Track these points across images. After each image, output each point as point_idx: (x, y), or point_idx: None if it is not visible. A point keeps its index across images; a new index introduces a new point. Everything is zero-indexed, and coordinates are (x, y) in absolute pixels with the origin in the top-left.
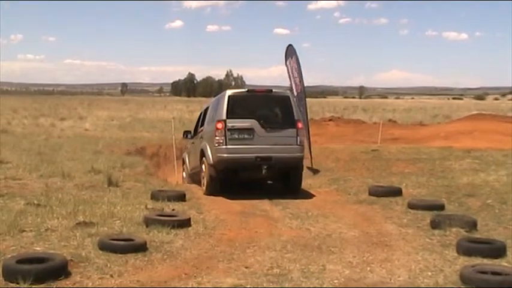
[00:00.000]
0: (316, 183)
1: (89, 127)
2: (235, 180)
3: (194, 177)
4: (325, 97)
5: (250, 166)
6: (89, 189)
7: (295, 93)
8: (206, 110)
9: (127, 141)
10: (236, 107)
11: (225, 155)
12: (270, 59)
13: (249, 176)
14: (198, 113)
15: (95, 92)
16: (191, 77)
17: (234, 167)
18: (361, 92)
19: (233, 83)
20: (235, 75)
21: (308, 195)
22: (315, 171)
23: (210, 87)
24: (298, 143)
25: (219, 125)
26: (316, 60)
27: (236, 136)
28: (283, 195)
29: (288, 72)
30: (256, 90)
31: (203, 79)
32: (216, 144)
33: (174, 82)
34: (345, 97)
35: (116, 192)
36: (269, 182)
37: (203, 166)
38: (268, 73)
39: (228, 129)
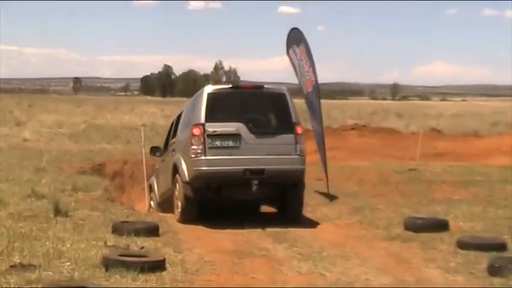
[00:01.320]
0: (333, 213)
1: (29, 136)
2: (218, 203)
3: (165, 206)
4: (346, 98)
5: (236, 182)
6: (29, 220)
7: (305, 92)
8: (179, 116)
9: (80, 155)
10: (218, 107)
11: (204, 168)
12: (272, 47)
13: (236, 195)
14: (170, 121)
15: (38, 89)
16: (167, 70)
17: (216, 183)
18: (395, 91)
19: (224, 78)
20: (226, 68)
21: (322, 230)
22: (332, 198)
23: (193, 84)
24: (298, 152)
25: (196, 131)
26: (335, 49)
27: (218, 144)
28: (287, 227)
29: (293, 66)
30: (243, 85)
31: (183, 73)
32: (193, 156)
33: (144, 77)
34: (373, 98)
35: (65, 224)
36: (261, 207)
37: (177, 185)
38: (269, 65)
39: (208, 136)
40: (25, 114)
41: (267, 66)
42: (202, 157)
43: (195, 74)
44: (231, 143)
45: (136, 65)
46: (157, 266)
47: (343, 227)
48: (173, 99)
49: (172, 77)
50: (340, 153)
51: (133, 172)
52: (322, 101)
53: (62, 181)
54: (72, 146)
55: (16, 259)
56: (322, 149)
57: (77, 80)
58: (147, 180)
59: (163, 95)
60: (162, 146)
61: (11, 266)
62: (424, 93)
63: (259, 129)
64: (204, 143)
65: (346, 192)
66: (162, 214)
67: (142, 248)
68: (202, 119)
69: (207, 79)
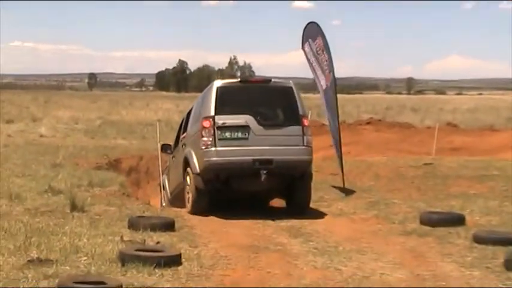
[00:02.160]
0: (349, 207)
1: (46, 132)
2: (227, 194)
3: (176, 202)
4: (361, 92)
5: (246, 172)
6: (45, 216)
7: (324, 86)
8: (189, 113)
9: (96, 151)
10: (227, 100)
11: (215, 159)
12: (287, 42)
13: (245, 186)
14: (181, 118)
15: (53, 85)
16: (182, 65)
17: (226, 174)
18: (410, 85)
19: (238, 74)
20: (241, 63)
21: (338, 224)
22: (348, 192)
23: (208, 80)
24: (305, 143)
25: (206, 123)
26: (350, 44)
27: (228, 136)
28: (302, 222)
29: (308, 60)
30: (251, 79)
31: (198, 69)
32: (203, 147)
33: (159, 73)
34: (388, 92)
35: (81, 220)
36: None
37: (187, 179)
38: (285, 60)
39: (218, 128)
40: (41, 110)
41: (282, 61)
42: (213, 148)
43: (210, 69)
44: (240, 135)
45: (151, 60)
46: (173, 260)
47: (358, 222)
48: (188, 94)
49: (187, 72)
50: (356, 148)
51: (148, 168)
52: (337, 95)
53: (78, 176)
54: (88, 141)
55: (33, 254)
56: (338, 143)
57: (92, 76)
58: (162, 175)
59: (178, 90)
60: (172, 143)
61: (28, 261)
62: (440, 87)
63: (267, 121)
64: (214, 135)
65: (361, 186)
66: (177, 209)
67: (158, 242)
68: (212, 112)
69: (221, 74)
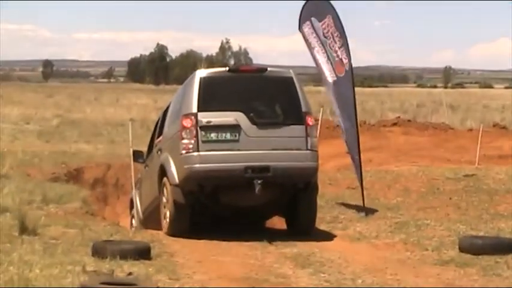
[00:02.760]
0: (370, 230)
1: None
2: (213, 211)
3: (150, 223)
4: (386, 85)
5: (236, 182)
6: None
7: (334, 78)
8: (166, 112)
9: (52, 158)
10: (212, 94)
11: (197, 166)
12: (292, 22)
13: (236, 200)
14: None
15: None
16: (161, 51)
17: (211, 184)
18: (448, 77)
19: (232, 61)
20: (235, 47)
21: (356, 251)
22: (369, 211)
23: (193, 68)
24: (310, 147)
25: (187, 122)
26: (372, 24)
27: (213, 137)
28: (311, 248)
29: (309, 45)
30: (242, 68)
31: (181, 55)
32: (183, 152)
33: (132, 60)
34: (420, 85)
35: (33, 245)
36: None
37: (164, 191)
38: (289, 45)
39: (201, 127)
40: None
41: (286, 46)
42: (195, 153)
43: (196, 55)
44: (228, 136)
45: (122, 44)
46: None
47: (382, 248)
48: (168, 87)
49: (168, 59)
50: (379, 155)
51: (118, 179)
52: (355, 89)
53: (29, 190)
54: (42, 146)
55: None
56: (355, 150)
57: (47, 64)
58: (134, 189)
59: (157, 82)
60: (146, 151)
61: None
62: (485, 79)
63: (263, 119)
64: (196, 136)
65: (386, 204)
66: (154, 232)
67: (130, 274)
68: (194, 108)
69: (210, 62)
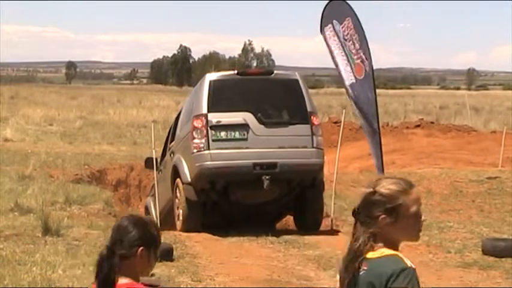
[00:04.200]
0: None
1: (12, 135)
2: (224, 206)
3: (164, 226)
4: (409, 87)
5: (245, 179)
6: (11, 240)
7: (353, 80)
8: (178, 117)
9: (76, 159)
10: (222, 96)
11: (208, 164)
12: (315, 23)
13: (246, 196)
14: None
15: (22, 75)
16: (184, 53)
17: (222, 181)
18: (471, 78)
19: (254, 63)
20: (257, 49)
21: None
22: None
23: (216, 70)
24: (315, 144)
25: (198, 122)
26: (394, 26)
27: (223, 136)
28: (334, 250)
29: (329, 48)
30: (250, 72)
31: (204, 56)
32: (195, 150)
33: (155, 61)
34: (443, 87)
35: (56, 246)
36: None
37: (177, 192)
38: (311, 46)
39: (211, 127)
40: (6, 107)
41: (309, 48)
42: (206, 151)
43: (219, 57)
44: (237, 135)
45: (145, 45)
46: None
47: (404, 250)
48: (191, 88)
49: (191, 61)
50: (402, 158)
51: (140, 181)
52: (377, 91)
53: (52, 191)
54: (65, 147)
55: None
56: (378, 152)
57: (70, 65)
58: (148, 196)
59: (179, 83)
60: (159, 158)
61: None
62: (508, 81)
63: (270, 119)
64: (207, 136)
65: None
66: (176, 233)
67: (152, 275)
68: (205, 109)
69: (232, 63)
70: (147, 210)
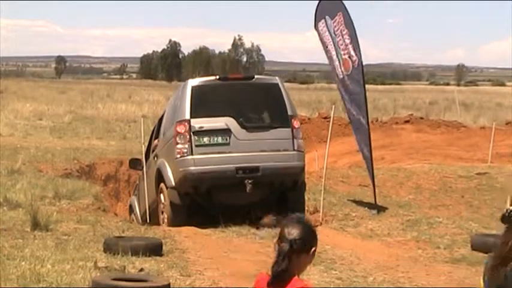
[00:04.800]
0: (382, 227)
1: (1, 130)
2: (208, 209)
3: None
4: (399, 83)
5: (228, 183)
6: (0, 235)
7: (342, 75)
8: (161, 119)
9: (65, 154)
10: (204, 101)
11: (192, 169)
12: (306, 19)
13: (229, 199)
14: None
15: (12, 70)
16: (174, 47)
17: (205, 186)
18: (460, 74)
19: (244, 58)
20: (247, 44)
21: (367, 249)
22: (381, 208)
23: (206, 65)
24: (296, 147)
25: (181, 128)
26: (383, 22)
27: (206, 141)
28: (322, 245)
29: (323, 43)
30: (231, 77)
31: (194, 52)
32: (178, 156)
33: (144, 56)
34: (433, 83)
35: (45, 240)
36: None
37: (161, 196)
38: (302, 41)
39: (194, 133)
40: None
41: (299, 43)
42: (189, 157)
43: (209, 52)
44: (220, 140)
45: (134, 40)
46: None
47: (394, 246)
48: (181, 83)
49: (180, 56)
50: (391, 153)
51: (130, 175)
52: (367, 86)
53: (41, 186)
54: (54, 142)
55: None
56: (366, 147)
57: (60, 60)
58: (132, 195)
59: (169, 78)
60: (143, 158)
61: None
62: (497, 77)
63: (251, 123)
64: (190, 141)
65: (398, 201)
66: (166, 228)
67: (141, 270)
68: (187, 115)
69: (222, 59)
70: (131, 208)
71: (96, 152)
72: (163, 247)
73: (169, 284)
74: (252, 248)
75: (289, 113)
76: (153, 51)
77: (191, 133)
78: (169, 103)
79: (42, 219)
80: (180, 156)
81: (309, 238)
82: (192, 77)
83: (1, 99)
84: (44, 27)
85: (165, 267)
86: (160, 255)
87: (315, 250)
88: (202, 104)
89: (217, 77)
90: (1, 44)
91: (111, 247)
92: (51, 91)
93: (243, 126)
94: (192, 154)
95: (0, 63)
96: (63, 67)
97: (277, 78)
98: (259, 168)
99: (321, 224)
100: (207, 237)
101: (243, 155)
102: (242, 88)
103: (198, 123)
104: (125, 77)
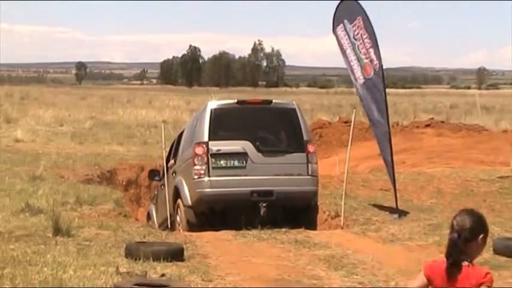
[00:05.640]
0: (403, 231)
1: (23, 136)
2: (222, 225)
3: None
4: (419, 87)
5: (243, 205)
6: (22, 241)
7: (362, 80)
8: (180, 135)
9: (86, 160)
10: (222, 124)
11: (208, 190)
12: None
13: (241, 220)
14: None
15: (33, 76)
16: (194, 53)
17: (220, 207)
18: (481, 78)
19: (264, 63)
20: (267, 49)
21: (389, 253)
22: (402, 213)
23: (226, 70)
24: (310, 172)
25: (199, 150)
26: (404, 26)
27: (223, 164)
28: (344, 250)
29: (341, 46)
30: (249, 101)
31: (214, 56)
32: (195, 177)
33: (164, 61)
34: (453, 87)
35: (66, 246)
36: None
37: (178, 211)
38: (320, 46)
39: (212, 155)
40: (17, 108)
41: (318, 47)
42: (206, 178)
43: (229, 57)
44: (236, 163)
45: (155, 46)
46: None
47: (415, 250)
48: (201, 88)
49: (200, 61)
50: (412, 157)
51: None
52: (387, 90)
53: (63, 192)
54: (75, 148)
55: None
56: (387, 151)
57: (80, 66)
58: (151, 203)
59: (189, 83)
60: (162, 169)
61: None
62: None
63: (267, 147)
64: (207, 163)
65: (419, 206)
66: (187, 233)
67: (163, 275)
68: (206, 137)
69: (242, 64)
70: (148, 216)
71: (117, 158)
72: (185, 252)
73: None
74: (273, 253)
75: (305, 138)
76: (173, 56)
77: (209, 155)
78: (189, 122)
79: (64, 224)
80: (198, 178)
81: (476, 227)
82: (212, 82)
83: (22, 106)
84: (65, 34)
85: (187, 272)
86: (182, 260)
87: (483, 237)
88: (221, 127)
89: (236, 100)
90: (22, 51)
91: (132, 252)
92: (71, 97)
93: (259, 150)
94: (209, 176)
95: (21, 70)
96: (84, 73)
97: (294, 103)
98: (274, 192)
99: (342, 228)
100: (228, 242)
101: (258, 178)
102: (260, 112)
103: (215, 145)
104: (145, 82)
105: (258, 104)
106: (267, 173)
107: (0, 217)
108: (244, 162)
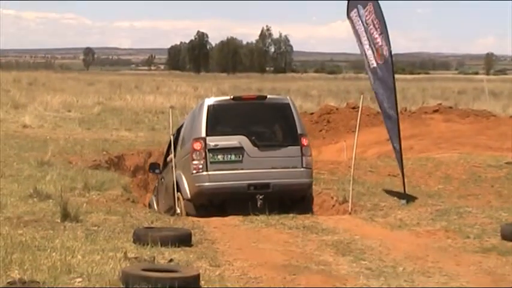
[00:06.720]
0: (411, 217)
1: (31, 122)
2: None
3: None
4: (427, 73)
5: (240, 198)
6: (30, 226)
7: (374, 65)
8: (179, 130)
9: (94, 145)
10: (219, 120)
11: (207, 184)
12: (332, 9)
13: (241, 212)
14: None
15: (40, 62)
16: (201, 38)
17: (218, 199)
18: (489, 63)
19: (272, 49)
20: (275, 35)
21: (397, 238)
22: (410, 198)
23: (233, 56)
24: (304, 165)
25: (197, 145)
26: (413, 11)
27: (220, 158)
28: (352, 236)
29: (356, 32)
30: (244, 97)
31: (221, 42)
32: (194, 171)
33: (172, 47)
34: (461, 72)
35: (75, 231)
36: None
37: (178, 204)
38: (329, 32)
39: (209, 150)
40: (25, 94)
41: (326, 34)
42: (204, 172)
43: (236, 43)
44: (233, 157)
45: (162, 32)
46: (190, 283)
47: (423, 236)
48: (209, 74)
49: (208, 47)
50: (420, 143)
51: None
52: (396, 76)
53: (71, 177)
54: (83, 133)
55: (15, 274)
56: (396, 137)
57: (88, 52)
58: (152, 194)
59: (197, 69)
60: (161, 163)
61: (8, 283)
62: None
63: (263, 141)
64: (205, 158)
65: (427, 191)
66: (195, 219)
67: (171, 260)
68: (203, 133)
69: (250, 50)
70: (150, 207)
71: (124, 143)
72: (193, 238)
73: (199, 275)
74: (281, 238)
75: (299, 131)
76: (181, 42)
77: (206, 150)
78: (189, 116)
79: (72, 210)
80: (196, 172)
81: None
82: (220, 68)
83: (30, 91)
84: (72, 20)
85: (195, 257)
86: (190, 245)
87: None
88: (218, 122)
89: (232, 96)
90: (30, 37)
91: (140, 238)
92: (79, 83)
93: (255, 144)
94: (207, 170)
95: (29, 56)
96: (91, 59)
97: (288, 98)
98: (270, 184)
99: (350, 214)
100: (235, 227)
101: (254, 171)
102: (255, 108)
103: (213, 141)
104: (152, 68)
105: (253, 100)
106: (263, 167)
107: (8, 202)
108: (240, 156)
